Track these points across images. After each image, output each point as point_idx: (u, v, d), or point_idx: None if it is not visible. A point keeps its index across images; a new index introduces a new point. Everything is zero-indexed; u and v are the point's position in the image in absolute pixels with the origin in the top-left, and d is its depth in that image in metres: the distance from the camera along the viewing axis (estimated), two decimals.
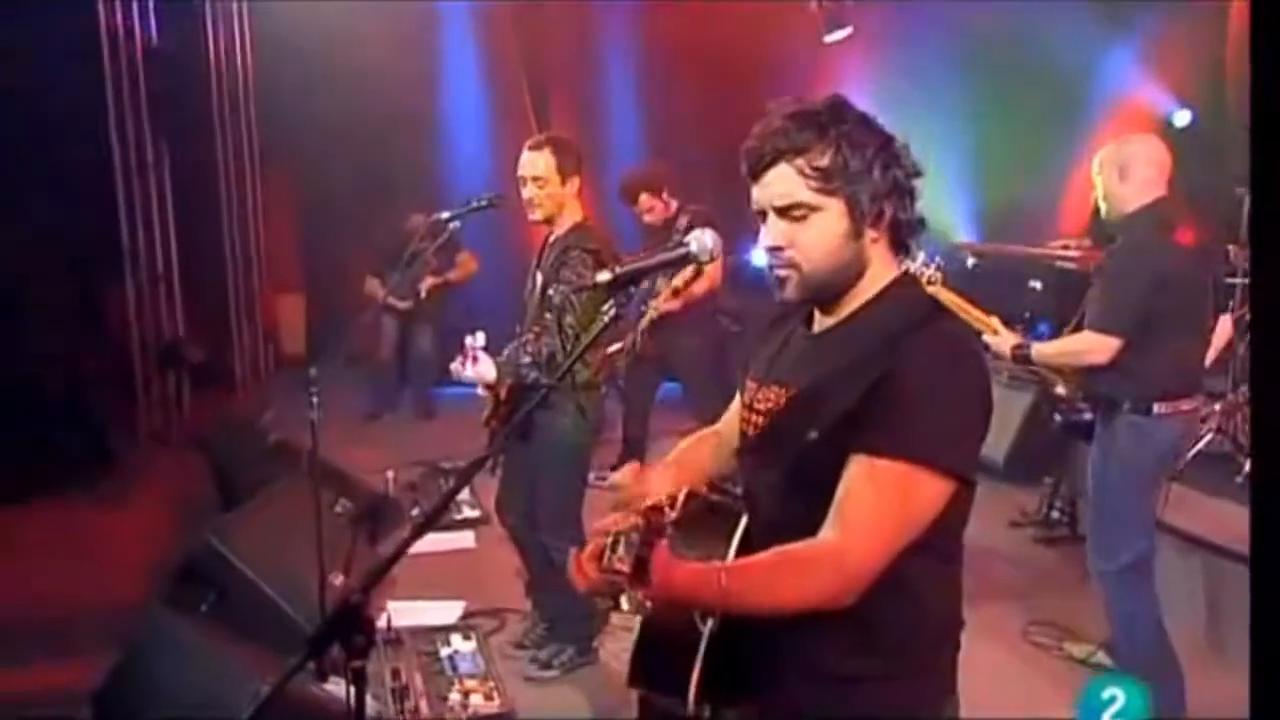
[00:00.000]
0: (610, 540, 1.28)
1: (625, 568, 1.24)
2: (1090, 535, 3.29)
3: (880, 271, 1.52)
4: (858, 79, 6.68)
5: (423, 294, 6.80)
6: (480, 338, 2.92)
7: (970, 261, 6.64)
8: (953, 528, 1.48)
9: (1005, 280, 6.40)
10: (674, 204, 5.30)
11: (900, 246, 1.54)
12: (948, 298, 3.02)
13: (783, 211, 1.47)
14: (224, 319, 6.90)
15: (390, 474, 5.10)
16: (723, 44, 7.02)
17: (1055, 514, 4.86)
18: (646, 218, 5.31)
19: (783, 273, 1.50)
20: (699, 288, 5.08)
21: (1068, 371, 3.25)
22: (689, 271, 5.01)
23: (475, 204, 3.49)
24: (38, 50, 4.72)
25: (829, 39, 7.23)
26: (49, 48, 4.80)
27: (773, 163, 1.46)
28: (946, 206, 7.00)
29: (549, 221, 3.35)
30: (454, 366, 2.98)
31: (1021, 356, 3.14)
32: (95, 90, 5.34)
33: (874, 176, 1.45)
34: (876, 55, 7.06)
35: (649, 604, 1.25)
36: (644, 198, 5.27)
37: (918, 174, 1.51)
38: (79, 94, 5.16)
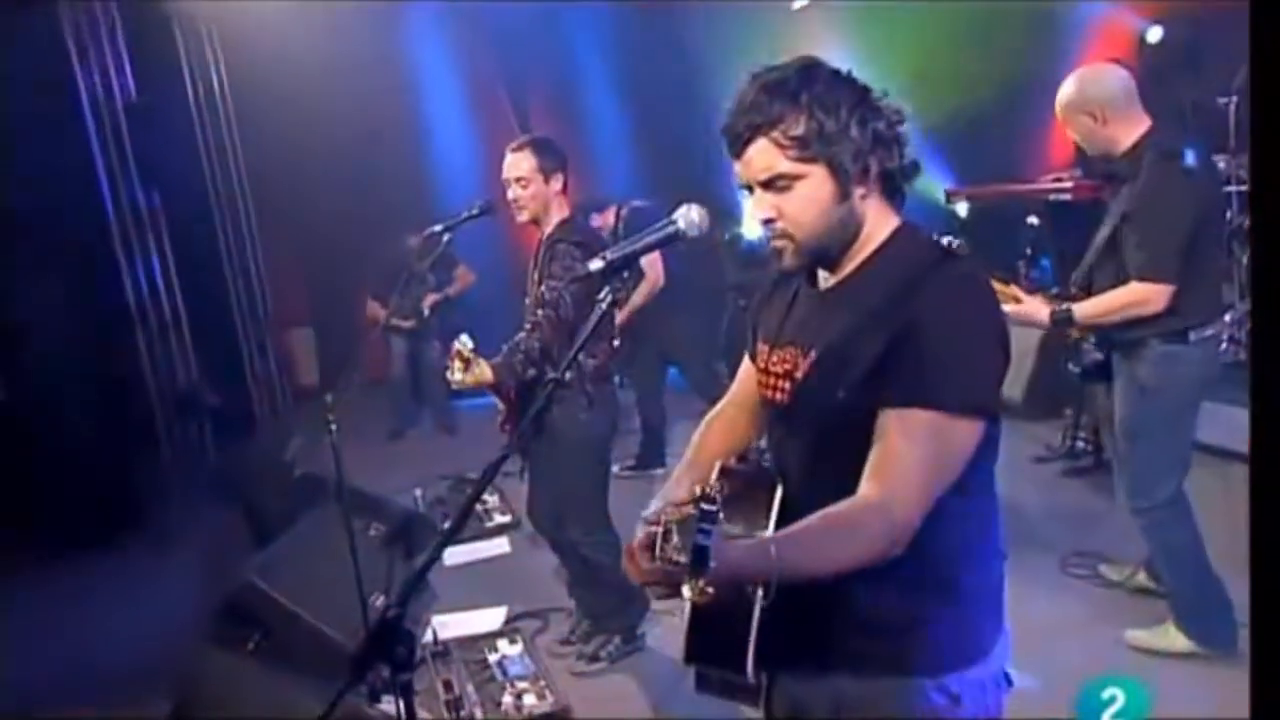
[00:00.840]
0: (663, 530, 1.25)
1: (683, 558, 1.21)
2: (1126, 475, 3.18)
3: (878, 223, 1.51)
4: (833, 36, 6.63)
5: (425, 312, 6.82)
6: (467, 340, 2.92)
7: (964, 210, 6.57)
8: (986, 463, 1.49)
9: (1002, 220, 6.37)
10: (610, 213, 5.38)
11: (895, 194, 1.53)
12: None
13: (767, 185, 1.47)
14: (236, 360, 6.91)
15: (418, 491, 5.13)
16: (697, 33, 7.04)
17: (1080, 444, 4.84)
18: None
19: (779, 244, 1.50)
20: (645, 291, 5.12)
21: (1110, 327, 3.10)
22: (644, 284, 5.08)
23: (466, 214, 3.47)
24: (18, 117, 4.73)
25: (796, 6, 7.20)
26: (29, 113, 4.82)
27: (750, 139, 1.45)
28: (930, 152, 6.93)
29: (536, 222, 3.36)
30: (449, 375, 2.97)
31: (1062, 321, 2.97)
32: (83, 152, 5.36)
33: (852, 135, 1.44)
34: (849, 10, 7.01)
35: (710, 590, 1.22)
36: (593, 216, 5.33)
37: (900, 120, 1.49)
38: (66, 158, 5.18)
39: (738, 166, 1.49)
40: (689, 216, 1.61)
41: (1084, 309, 2.99)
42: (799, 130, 1.42)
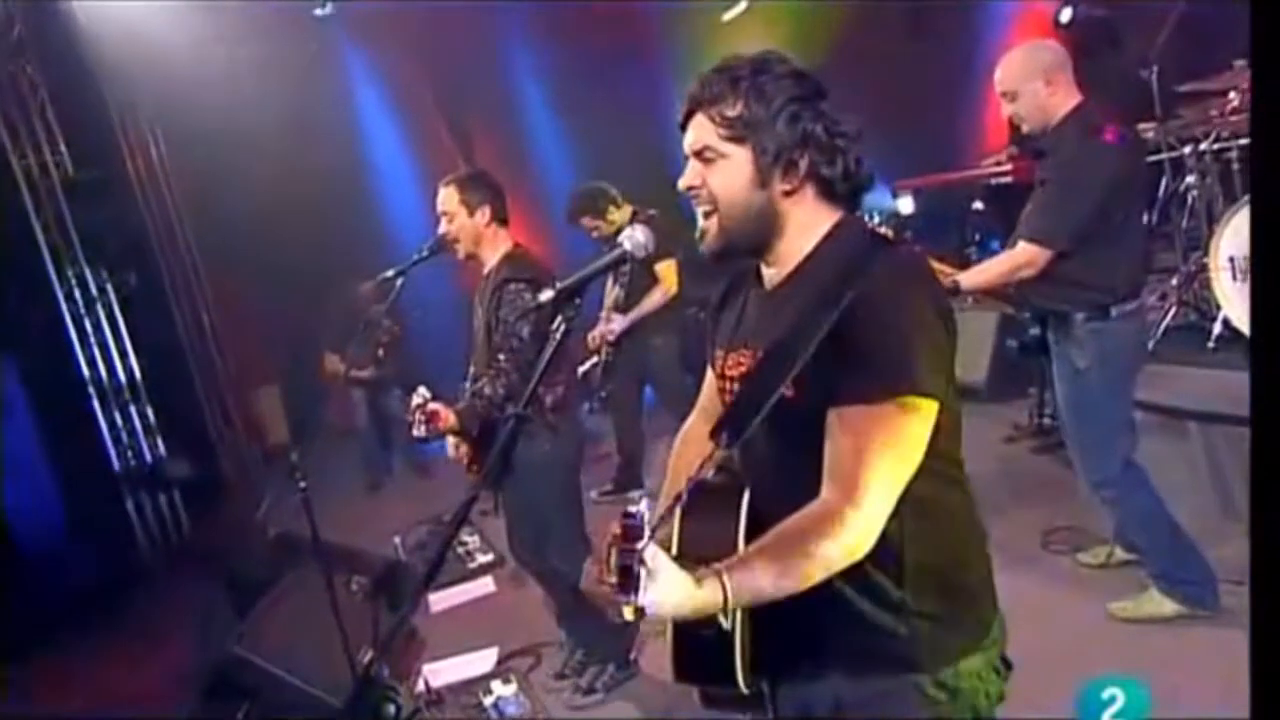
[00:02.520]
0: (604, 555, 1.27)
1: (613, 579, 1.21)
2: (1076, 452, 3.20)
3: (812, 222, 1.53)
4: (765, 43, 6.71)
5: (381, 354, 6.74)
6: (425, 393, 2.89)
7: (909, 206, 6.62)
8: (950, 446, 1.49)
9: (947, 210, 6.44)
10: (625, 214, 5.28)
11: (837, 199, 1.54)
12: None
13: (697, 155, 1.53)
14: (201, 427, 6.80)
15: (398, 539, 5.06)
16: (634, 55, 7.08)
17: (1046, 421, 4.87)
18: (595, 235, 5.31)
19: (703, 222, 1.54)
20: (656, 295, 5.09)
21: (1000, 291, 3.18)
22: (656, 291, 5.05)
23: (417, 256, 3.43)
24: None
25: (727, 17, 7.28)
26: None
27: (693, 111, 1.54)
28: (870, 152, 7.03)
29: (471, 257, 3.33)
30: (414, 430, 2.94)
31: (951, 289, 2.96)
32: (23, 227, 5.26)
33: (778, 128, 1.48)
34: (782, 21, 7.10)
35: (647, 611, 1.21)
36: (586, 220, 5.28)
37: (843, 133, 1.51)
38: (7, 239, 5.08)
39: (684, 138, 1.56)
40: (635, 238, 1.60)
41: (968, 275, 3.04)
42: (732, 111, 1.49)
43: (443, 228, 3.30)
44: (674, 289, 5.12)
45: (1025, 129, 3.09)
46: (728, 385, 1.62)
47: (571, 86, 7.83)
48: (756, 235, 1.54)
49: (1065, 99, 2.98)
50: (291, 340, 7.17)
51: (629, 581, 1.20)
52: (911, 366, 1.38)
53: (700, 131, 1.53)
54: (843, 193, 1.53)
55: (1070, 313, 3.01)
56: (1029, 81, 2.98)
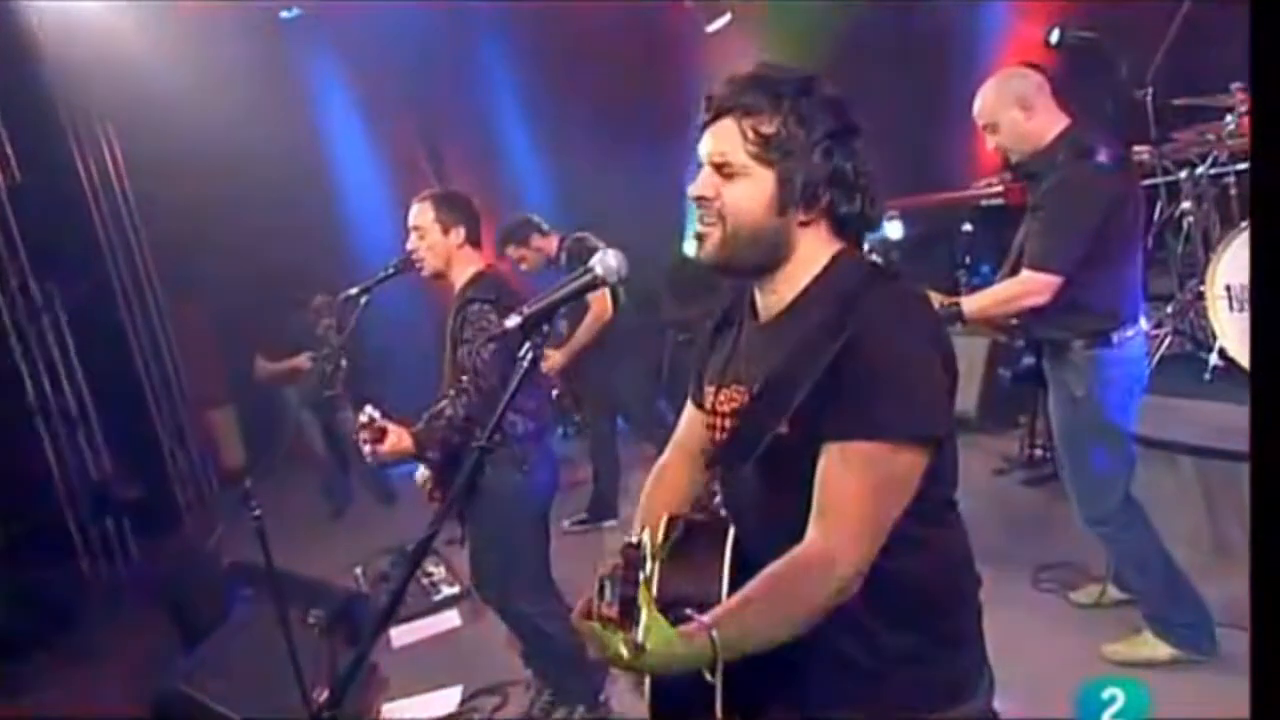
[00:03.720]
0: (597, 588, 1.25)
1: (613, 613, 1.20)
2: (1072, 486, 3.19)
3: (817, 254, 1.53)
4: (748, 59, 6.77)
5: (328, 371, 6.64)
6: (372, 411, 2.87)
7: (898, 230, 6.65)
8: (942, 488, 1.49)
9: (937, 232, 6.49)
10: (551, 242, 5.33)
11: (845, 234, 1.54)
12: None
13: (716, 166, 1.50)
14: (154, 448, 6.71)
15: (358, 570, 5.01)
16: (613, 68, 7.11)
17: (1038, 453, 4.89)
18: (524, 266, 5.33)
19: (705, 228, 1.52)
20: (589, 323, 5.10)
21: (1001, 319, 3.20)
22: (588, 318, 5.07)
23: (382, 273, 3.41)
24: None
25: (711, 28, 7.33)
26: None
27: (720, 115, 1.49)
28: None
29: (440, 276, 3.33)
30: (365, 451, 2.91)
31: (951, 315, 2.98)
32: None
33: (813, 158, 1.47)
34: (767, 34, 7.16)
35: (644, 651, 1.21)
36: (510, 249, 5.32)
37: (867, 173, 1.51)
38: None
39: (703, 140, 1.52)
40: (606, 262, 1.59)
41: (971, 301, 3.04)
42: (768, 128, 1.46)
43: (412, 243, 3.30)
44: (607, 313, 5.11)
45: (1012, 158, 3.12)
46: (719, 421, 1.61)
47: (549, 105, 7.86)
48: (760, 259, 1.52)
49: (1048, 123, 3.00)
50: (251, 358, 7.08)
51: (630, 614, 1.18)
52: (908, 406, 1.39)
53: (725, 141, 1.49)
54: (853, 230, 1.55)
55: (1068, 339, 3.03)
56: (1006, 111, 3.01)
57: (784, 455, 1.44)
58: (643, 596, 1.23)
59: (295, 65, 7.75)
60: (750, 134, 1.46)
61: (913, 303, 1.48)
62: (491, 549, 3.37)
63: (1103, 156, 2.91)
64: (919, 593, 1.49)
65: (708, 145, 1.51)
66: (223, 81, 6.57)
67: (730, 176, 1.48)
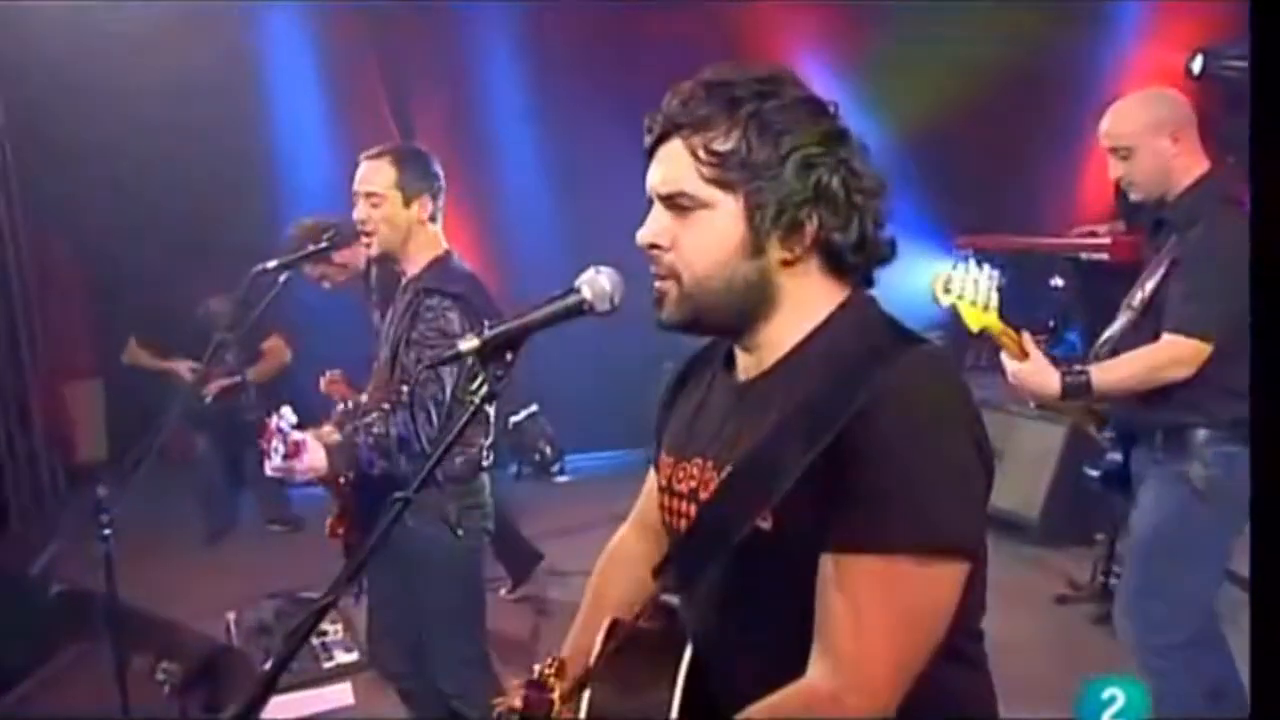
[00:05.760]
0: None
1: None
2: (1153, 604, 3.21)
3: (816, 301, 1.52)
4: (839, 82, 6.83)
5: (207, 399, 6.59)
6: (290, 415, 2.86)
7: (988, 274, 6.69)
8: (969, 617, 1.48)
9: (1020, 283, 6.50)
10: (359, 252, 5.31)
11: (846, 272, 1.53)
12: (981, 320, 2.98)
13: (667, 200, 1.49)
14: None
15: (231, 616, 4.96)
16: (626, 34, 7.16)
17: (1115, 581, 4.87)
18: (325, 285, 5.00)
19: (661, 284, 1.52)
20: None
21: (1124, 395, 3.19)
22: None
23: (312, 247, 3.40)
24: None
25: None
26: None
27: (664, 137, 1.49)
28: (936, 204, 7.12)
29: (388, 257, 3.30)
30: (267, 461, 2.90)
31: (1077, 389, 3.00)
32: None
33: (785, 175, 1.44)
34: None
35: None
36: (307, 268, 5.19)
37: (867, 190, 1.49)
38: None
39: (650, 170, 1.52)
40: (597, 284, 1.56)
41: (1103, 372, 3.05)
42: (724, 145, 1.44)
43: (361, 211, 3.25)
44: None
45: (1136, 196, 3.17)
46: (676, 504, 1.61)
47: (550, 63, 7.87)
48: (737, 314, 1.51)
49: (1191, 163, 3.08)
50: (136, 326, 7.02)
51: None
52: (939, 508, 1.37)
53: (675, 167, 1.48)
54: (855, 264, 1.52)
55: (1196, 425, 3.05)
56: (1152, 136, 3.06)
57: (763, 556, 1.43)
58: None
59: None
60: (703, 153, 1.45)
61: (946, 375, 1.47)
62: (406, 612, 3.37)
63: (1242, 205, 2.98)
64: None
65: (655, 175, 1.51)
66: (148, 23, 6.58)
67: (685, 211, 1.48)
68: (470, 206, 6.68)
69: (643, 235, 1.51)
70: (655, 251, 1.50)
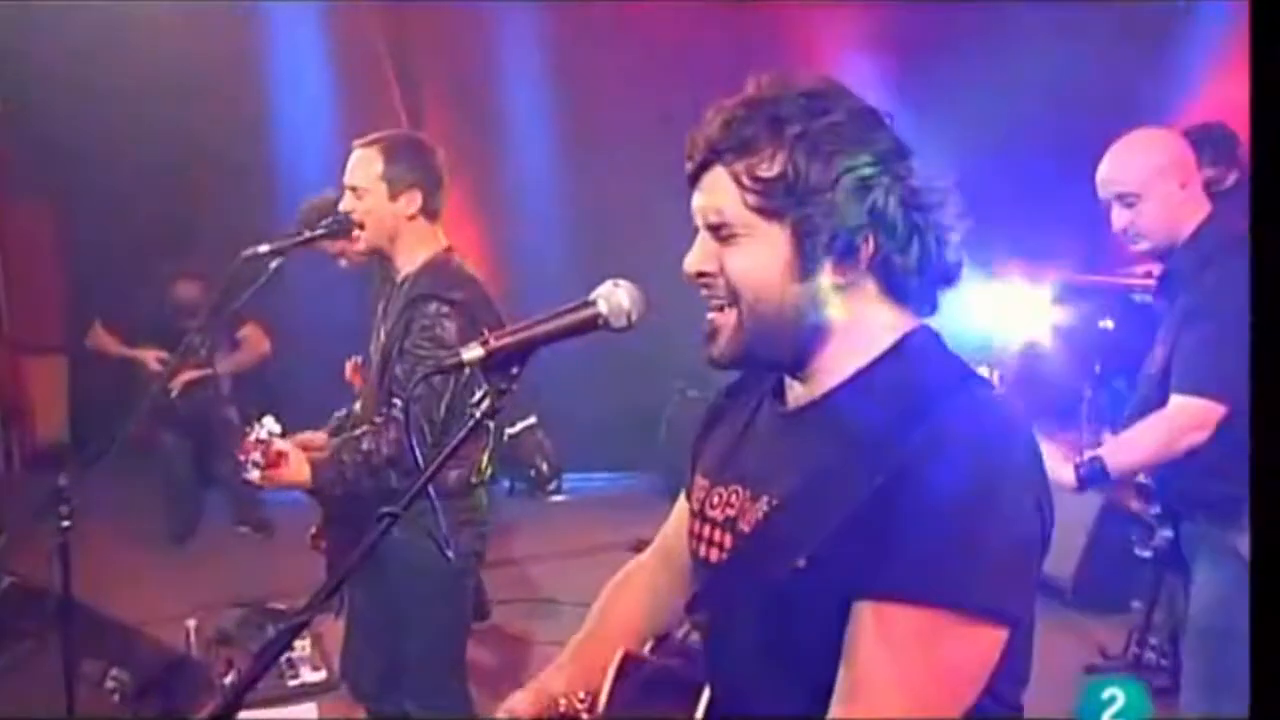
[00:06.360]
0: None
1: None
2: (1221, 685, 3.13)
3: (872, 328, 1.52)
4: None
5: (174, 393, 6.61)
6: (274, 425, 2.86)
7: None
8: (1007, 681, 1.46)
9: (1064, 319, 6.47)
10: None
11: (908, 297, 1.53)
12: None
13: (713, 230, 1.50)
14: None
15: (191, 624, 4.94)
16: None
17: (1150, 655, 4.85)
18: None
19: (716, 316, 1.52)
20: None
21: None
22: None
23: (309, 233, 3.38)
24: None
25: None
26: None
27: (706, 164, 1.49)
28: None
29: (378, 253, 3.30)
30: (245, 472, 2.90)
31: (1094, 477, 2.99)
32: None
33: (838, 199, 1.44)
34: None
35: None
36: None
37: (924, 205, 1.47)
38: None
39: (694, 197, 1.53)
40: (615, 299, 1.56)
41: (1118, 453, 3.03)
42: (769, 170, 1.44)
43: (345, 204, 3.26)
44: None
45: (1142, 246, 3.16)
46: (708, 531, 1.61)
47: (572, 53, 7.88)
48: (789, 342, 1.51)
49: (1198, 207, 3.10)
50: (107, 307, 7.04)
51: None
52: (994, 571, 1.36)
53: (717, 195, 1.48)
54: (915, 288, 1.52)
55: (1239, 497, 3.02)
56: (1161, 181, 3.07)
57: (795, 599, 1.43)
58: None
59: None
60: (747, 180, 1.45)
61: (1014, 425, 1.46)
62: (384, 631, 3.37)
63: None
64: None
65: (699, 203, 1.51)
66: None
67: (730, 239, 1.48)
68: (477, 204, 6.70)
69: (689, 264, 1.52)
70: (705, 279, 1.51)
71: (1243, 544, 3.04)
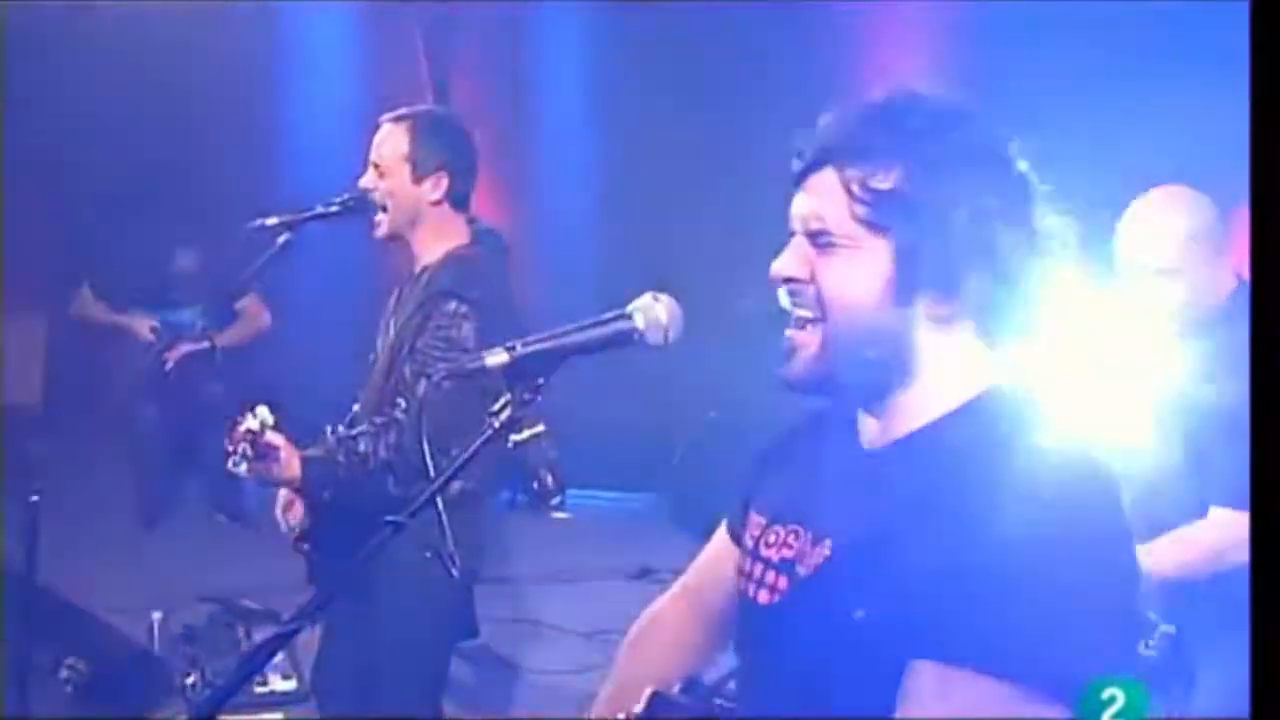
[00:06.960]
0: None
1: None
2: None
3: (964, 371, 1.52)
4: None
5: (168, 365, 6.68)
6: (267, 415, 2.86)
7: None
8: None
9: None
10: None
11: (1004, 345, 1.54)
12: None
13: (811, 237, 1.50)
14: None
15: (157, 616, 4.96)
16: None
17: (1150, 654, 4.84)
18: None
19: (798, 334, 1.51)
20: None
21: None
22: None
23: (321, 208, 3.39)
24: None
25: None
26: None
27: (817, 165, 1.50)
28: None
29: (398, 239, 3.29)
30: (231, 463, 2.90)
31: None
32: None
33: (952, 223, 1.44)
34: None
35: None
36: None
37: (1045, 252, 1.49)
38: None
39: (795, 199, 1.54)
40: (652, 313, 1.57)
41: (1163, 552, 2.96)
42: (884, 182, 1.44)
43: (366, 181, 3.26)
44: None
45: (1180, 311, 3.07)
46: (760, 571, 1.61)
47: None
48: (874, 371, 1.51)
49: (1227, 274, 3.07)
50: (94, 268, 7.07)
51: None
52: (1073, 652, 1.36)
53: (822, 201, 1.48)
54: (1008, 332, 1.53)
55: None
56: (1202, 249, 3.01)
57: (848, 649, 1.43)
58: None
59: None
60: (858, 188, 1.45)
61: (1112, 500, 1.46)
62: (366, 640, 3.37)
63: None
64: None
65: (800, 206, 1.52)
66: None
67: (828, 248, 1.48)
68: (502, 196, 6.71)
69: (779, 267, 1.52)
70: (793, 285, 1.51)
71: None
